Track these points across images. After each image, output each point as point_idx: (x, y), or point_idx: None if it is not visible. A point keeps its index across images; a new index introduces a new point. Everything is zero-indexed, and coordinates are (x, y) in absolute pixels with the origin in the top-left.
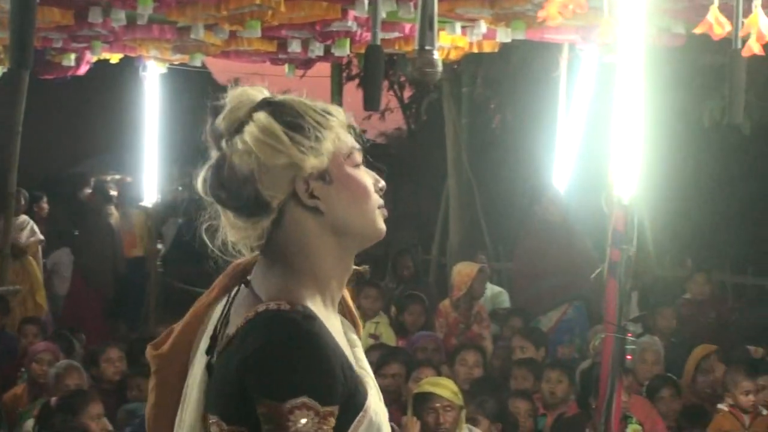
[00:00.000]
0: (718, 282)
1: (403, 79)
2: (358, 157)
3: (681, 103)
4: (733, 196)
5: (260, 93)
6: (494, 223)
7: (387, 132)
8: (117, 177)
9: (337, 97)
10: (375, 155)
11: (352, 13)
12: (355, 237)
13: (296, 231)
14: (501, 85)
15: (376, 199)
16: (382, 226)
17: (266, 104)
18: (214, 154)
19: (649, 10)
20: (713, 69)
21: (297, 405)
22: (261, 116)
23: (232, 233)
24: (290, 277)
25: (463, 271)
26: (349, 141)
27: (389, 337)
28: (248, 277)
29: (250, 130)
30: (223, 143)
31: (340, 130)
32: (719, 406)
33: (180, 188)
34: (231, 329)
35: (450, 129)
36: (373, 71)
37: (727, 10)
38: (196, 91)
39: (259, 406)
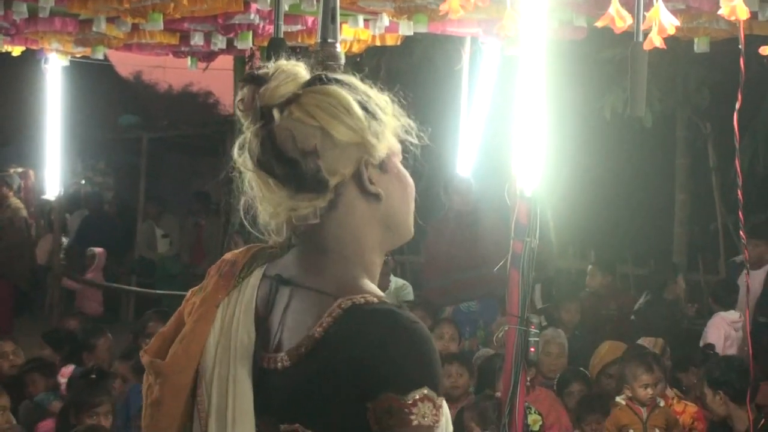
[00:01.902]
0: (621, 274)
1: None
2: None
3: (583, 96)
4: (634, 189)
5: (302, 70)
6: None
7: None
8: (20, 170)
9: (239, 90)
10: None
11: (254, 6)
12: (395, 233)
13: (350, 215)
14: (404, 78)
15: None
16: (413, 228)
17: (331, 80)
18: (252, 125)
19: (550, 4)
20: (615, 62)
21: (419, 397)
22: (334, 89)
23: (277, 210)
24: (349, 267)
25: None
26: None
27: None
28: (277, 272)
29: (319, 101)
30: (275, 112)
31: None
32: (617, 399)
33: (83, 181)
34: (311, 331)
35: None
36: None
37: (629, 4)
38: (98, 84)
39: (376, 402)
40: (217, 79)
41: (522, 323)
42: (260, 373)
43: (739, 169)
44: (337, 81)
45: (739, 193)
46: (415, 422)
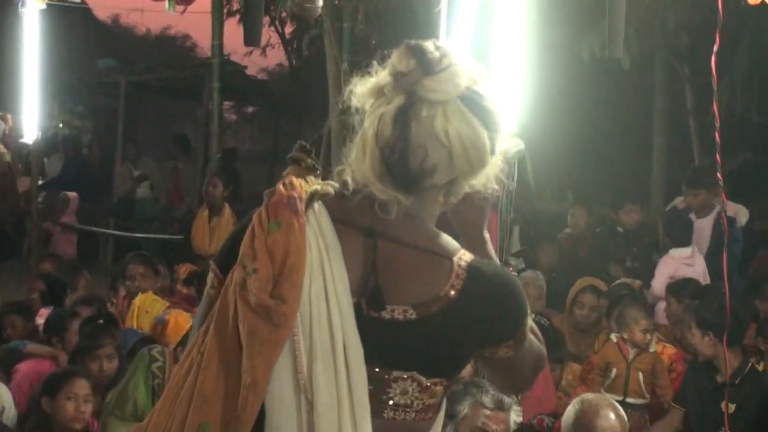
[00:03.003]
0: (598, 216)
1: (284, 14)
2: None
3: (561, 38)
4: (612, 131)
5: (465, 73)
6: None
7: (269, 68)
8: None
9: (218, 33)
10: (257, 92)
11: None
12: None
13: (427, 208)
14: (382, 21)
15: None
16: None
17: (479, 107)
18: (396, 96)
19: None
20: (593, 3)
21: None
22: (477, 127)
23: (365, 179)
24: (435, 230)
25: None
26: None
27: None
28: (371, 226)
29: (460, 128)
30: (424, 109)
31: None
32: (611, 336)
33: (61, 125)
34: (438, 290)
35: (331, 65)
36: (254, 7)
37: None
38: (76, 28)
39: (516, 336)
40: (195, 22)
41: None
42: (365, 320)
43: (716, 112)
44: (482, 107)
45: (717, 135)
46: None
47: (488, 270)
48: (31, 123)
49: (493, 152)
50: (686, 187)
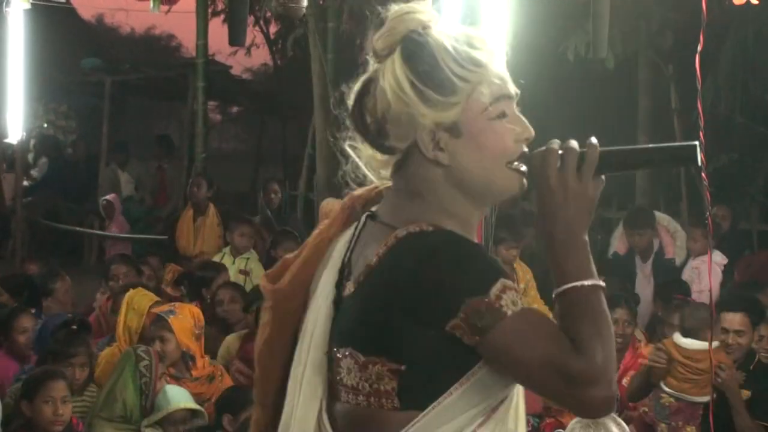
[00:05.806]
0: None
1: (269, 14)
2: (504, 106)
3: (545, 38)
4: (596, 130)
5: (421, 15)
6: None
7: (253, 68)
8: None
9: (202, 32)
10: (241, 91)
11: None
12: (478, 192)
13: (419, 177)
14: (367, 21)
15: (512, 154)
16: (513, 183)
17: (409, 42)
18: (371, 68)
19: None
20: (577, 4)
21: (500, 288)
22: (397, 61)
23: (362, 155)
24: (426, 209)
25: (331, 207)
26: (494, 90)
27: (259, 273)
28: (373, 210)
29: (388, 72)
30: (372, 64)
31: (482, 80)
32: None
33: (45, 125)
34: (369, 260)
35: (316, 65)
36: (239, 7)
37: None
38: (60, 28)
39: (462, 314)
40: (179, 22)
41: None
42: (340, 302)
43: (701, 111)
44: (412, 45)
45: (701, 135)
46: (509, 312)
47: (422, 239)
48: (15, 123)
49: (435, 84)
50: (630, 227)
